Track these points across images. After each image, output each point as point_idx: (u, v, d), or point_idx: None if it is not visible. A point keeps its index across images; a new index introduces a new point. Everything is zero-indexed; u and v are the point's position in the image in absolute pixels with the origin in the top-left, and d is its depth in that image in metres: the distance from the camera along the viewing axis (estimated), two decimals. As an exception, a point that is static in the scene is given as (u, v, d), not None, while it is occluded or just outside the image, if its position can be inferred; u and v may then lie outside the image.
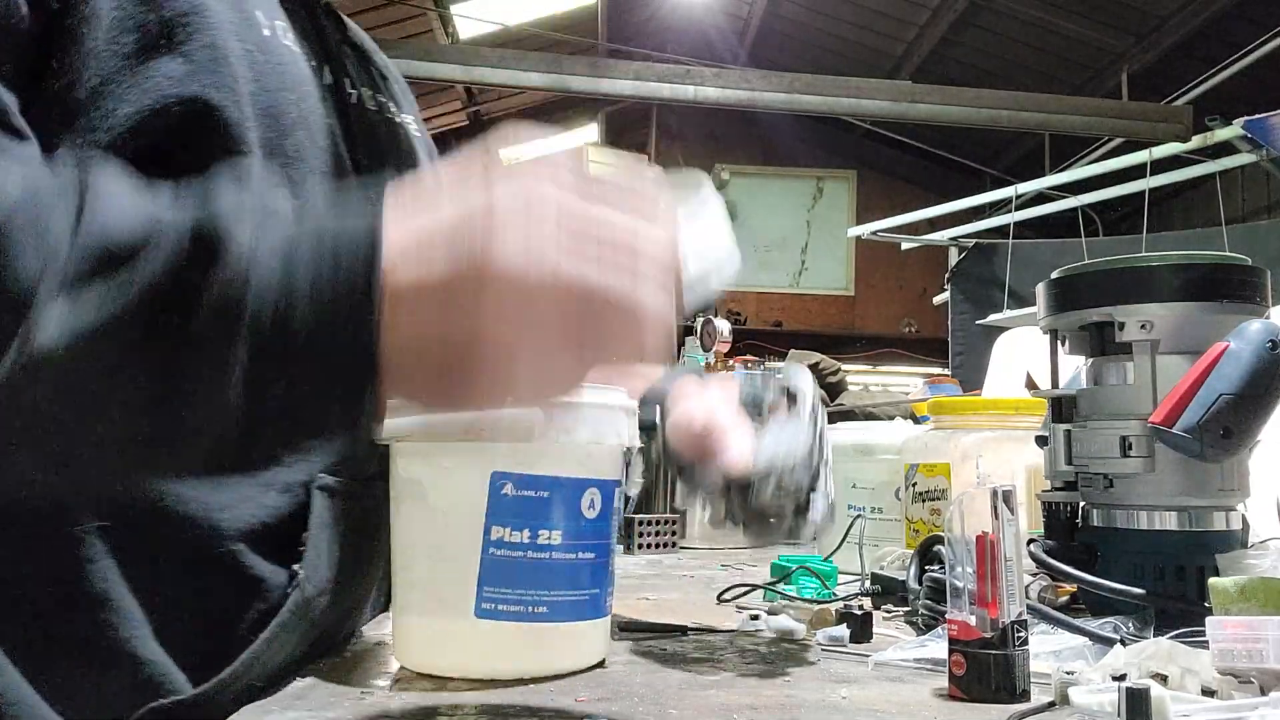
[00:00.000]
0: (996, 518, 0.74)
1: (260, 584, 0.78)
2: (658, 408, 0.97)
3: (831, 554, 1.44)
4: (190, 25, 0.70)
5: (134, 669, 0.73)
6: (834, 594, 1.16)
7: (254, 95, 0.73)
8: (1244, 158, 5.65)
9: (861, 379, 8.62)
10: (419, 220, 0.53)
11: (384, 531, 0.84)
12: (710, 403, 0.94)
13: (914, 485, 1.39)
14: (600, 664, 0.84)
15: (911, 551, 1.11)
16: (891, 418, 2.35)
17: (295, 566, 0.78)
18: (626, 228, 0.53)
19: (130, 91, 0.67)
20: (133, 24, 0.69)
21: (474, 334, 0.51)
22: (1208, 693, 0.72)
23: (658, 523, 1.80)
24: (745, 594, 1.22)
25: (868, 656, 0.87)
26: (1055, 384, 1.11)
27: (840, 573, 1.25)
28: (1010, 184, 6.51)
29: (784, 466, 0.85)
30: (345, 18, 0.99)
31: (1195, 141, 5.69)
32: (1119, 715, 0.60)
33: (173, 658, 0.74)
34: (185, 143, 0.68)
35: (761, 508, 0.84)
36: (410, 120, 1.03)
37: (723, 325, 2.21)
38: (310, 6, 0.90)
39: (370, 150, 0.87)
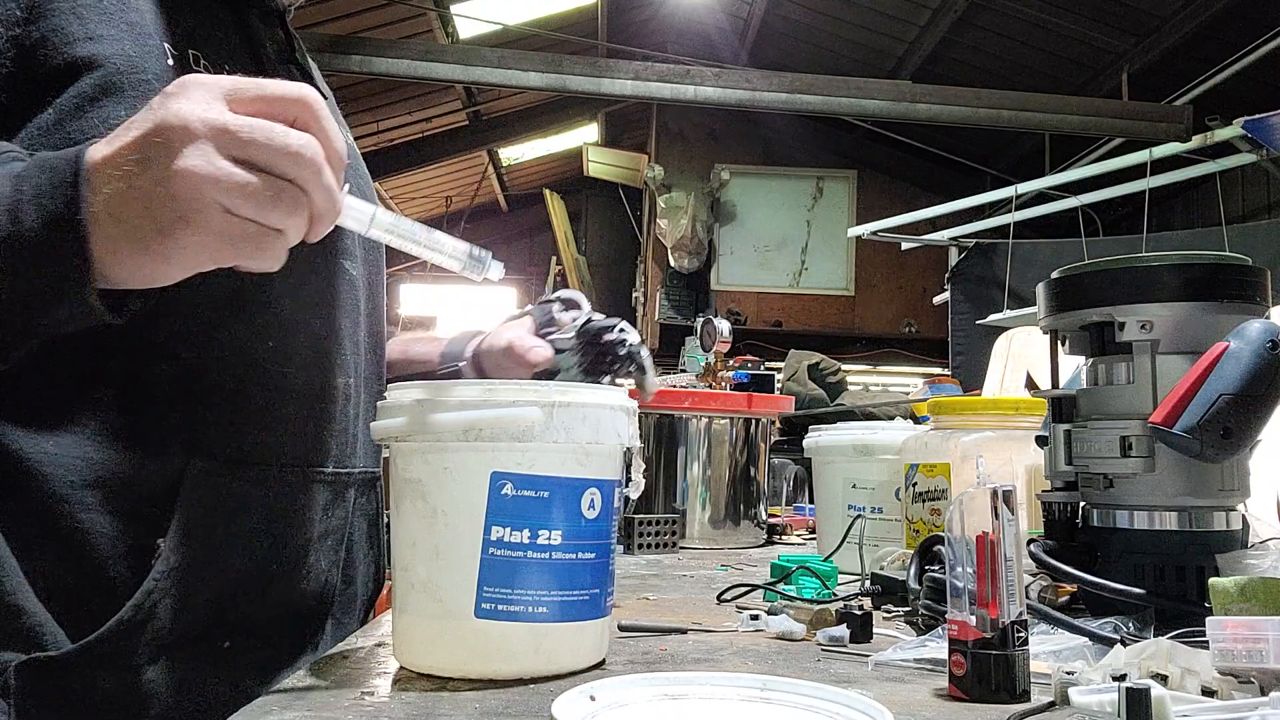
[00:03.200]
0: (996, 518, 0.74)
1: (133, 555, 0.82)
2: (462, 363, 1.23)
3: (831, 554, 1.44)
4: (68, 78, 0.78)
5: (15, 619, 0.78)
6: (834, 594, 1.16)
7: None
8: (1244, 158, 5.64)
9: (861, 379, 8.60)
10: (120, 126, 0.68)
11: (284, 513, 0.92)
12: (506, 330, 1.22)
13: (914, 485, 1.39)
14: (600, 664, 0.84)
15: (911, 551, 1.11)
16: (891, 418, 2.35)
17: (159, 540, 0.82)
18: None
19: (8, 138, 0.76)
20: (7, 82, 0.78)
21: (167, 177, 0.64)
22: (1208, 693, 0.72)
23: (658, 523, 1.80)
24: (745, 594, 1.22)
25: (868, 656, 0.87)
26: (1055, 384, 1.11)
27: (840, 573, 1.25)
28: (1010, 184, 6.49)
29: (578, 344, 1.15)
30: (297, 39, 1.05)
31: (1195, 141, 5.68)
32: (1119, 715, 0.60)
33: (54, 616, 0.79)
34: None
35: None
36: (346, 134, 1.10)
37: (723, 325, 2.20)
38: (251, 34, 0.96)
39: None
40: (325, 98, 1.04)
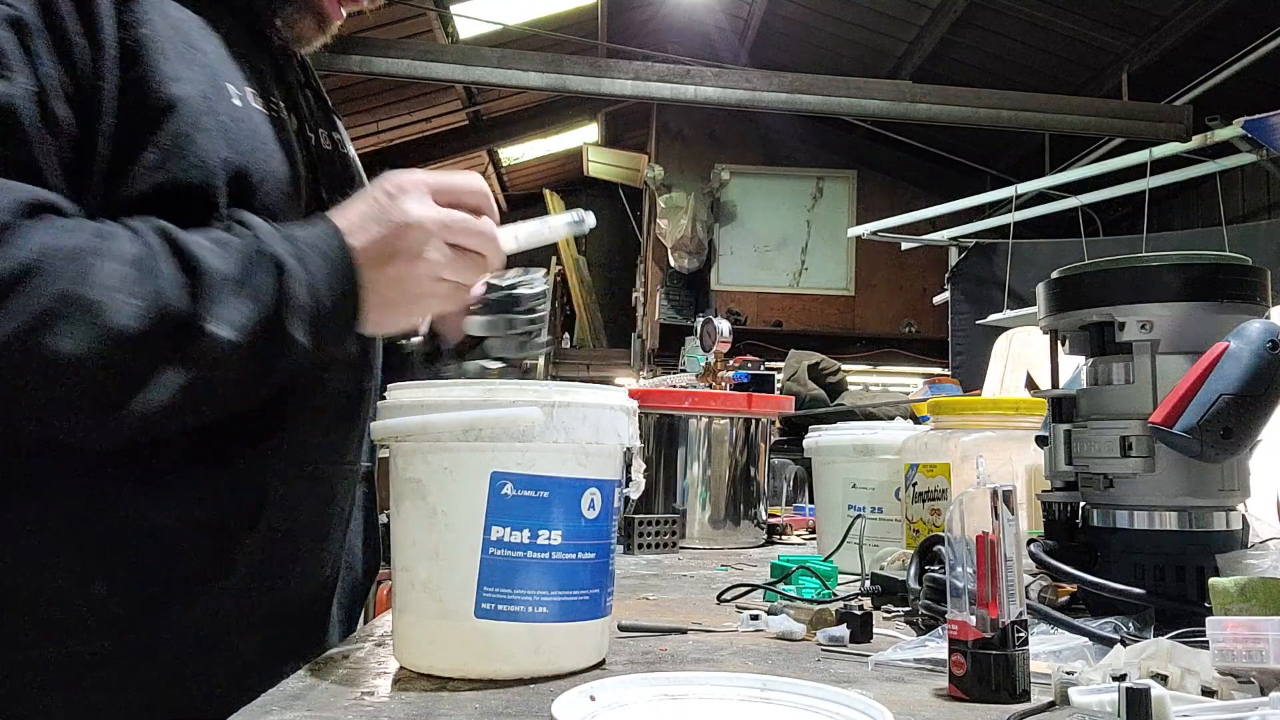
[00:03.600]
0: (996, 518, 0.74)
1: (223, 552, 0.90)
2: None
3: (831, 554, 1.44)
4: (163, 116, 0.83)
5: (104, 609, 0.85)
6: (834, 594, 1.16)
7: (225, 162, 0.87)
8: (1244, 158, 5.63)
9: (861, 379, 8.58)
10: (350, 214, 0.87)
11: (325, 506, 1.02)
12: None
13: (914, 485, 1.39)
14: (600, 664, 0.84)
15: (911, 551, 1.11)
16: (891, 418, 2.35)
17: (245, 537, 0.91)
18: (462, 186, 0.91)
19: (122, 180, 0.83)
20: (125, 128, 0.83)
21: (415, 265, 0.87)
22: (1208, 693, 0.72)
23: (658, 523, 1.80)
24: (745, 594, 1.22)
25: (868, 656, 0.87)
26: (1055, 384, 1.11)
27: (840, 573, 1.25)
28: (1010, 184, 6.48)
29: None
30: (309, 64, 1.11)
31: (1195, 141, 5.67)
32: (1119, 715, 0.60)
33: (143, 607, 0.86)
34: (164, 210, 0.83)
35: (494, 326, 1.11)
36: (351, 149, 1.15)
37: (723, 325, 2.20)
38: (279, 63, 1.02)
39: (330, 184, 1.03)
40: (329, 106, 1.12)
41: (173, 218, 0.82)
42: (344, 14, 1.04)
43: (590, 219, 1.01)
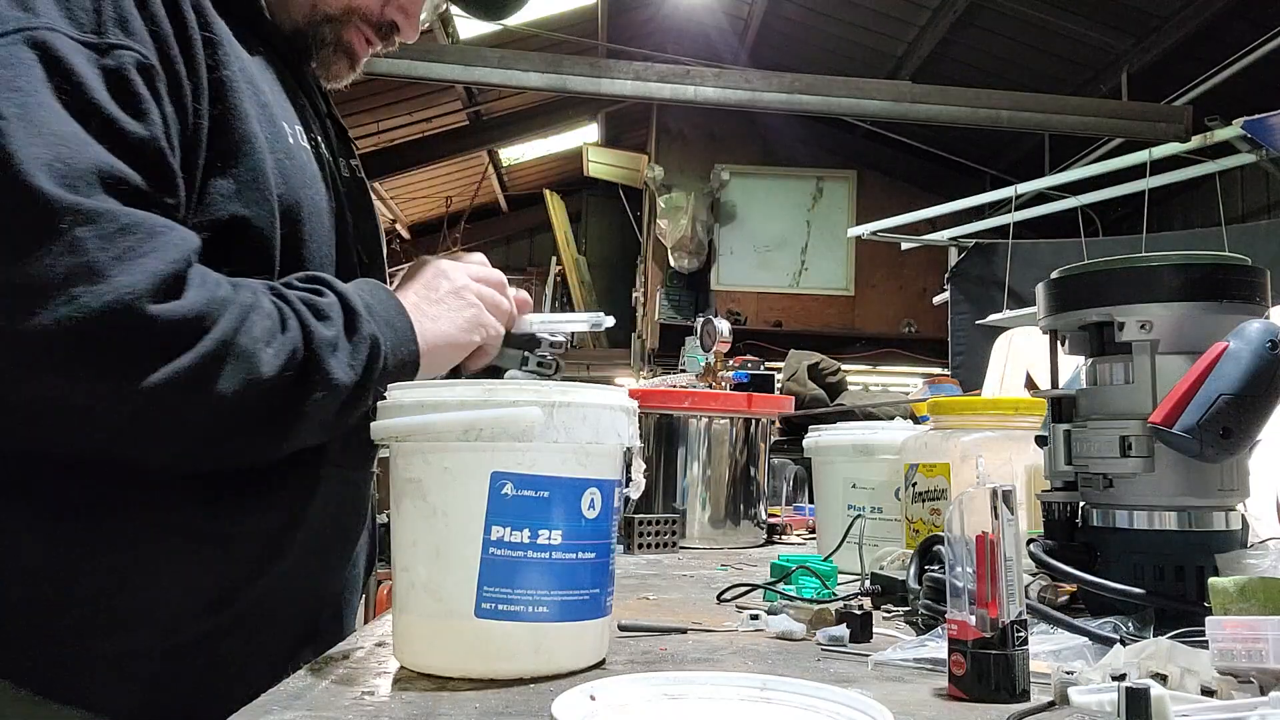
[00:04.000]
0: (996, 518, 0.74)
1: (267, 552, 0.96)
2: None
3: (831, 554, 1.44)
4: (240, 151, 0.91)
5: (159, 610, 0.91)
6: (834, 594, 1.16)
7: (281, 198, 0.94)
8: (1244, 158, 5.63)
9: (861, 379, 8.58)
10: (413, 294, 1.04)
11: (365, 507, 1.12)
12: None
13: (914, 485, 1.39)
14: (600, 664, 0.84)
15: (911, 551, 1.11)
16: (891, 418, 2.35)
17: (290, 536, 0.97)
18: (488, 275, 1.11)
19: (198, 208, 0.89)
20: (209, 162, 0.90)
21: (469, 330, 1.04)
22: (1207, 692, 0.72)
23: (658, 523, 1.80)
24: (745, 594, 1.22)
25: (868, 656, 0.87)
26: (1055, 384, 1.11)
27: (840, 573, 1.25)
28: (1010, 184, 6.48)
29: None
30: (329, 95, 1.18)
31: (1195, 141, 5.67)
32: (1119, 715, 0.60)
33: (193, 607, 0.93)
34: (229, 238, 0.91)
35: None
36: (363, 172, 1.22)
37: (722, 325, 2.20)
38: (309, 91, 1.09)
39: (355, 211, 1.10)
40: (347, 136, 1.20)
41: (236, 246, 0.90)
42: (370, 52, 1.13)
43: (609, 321, 1.20)
